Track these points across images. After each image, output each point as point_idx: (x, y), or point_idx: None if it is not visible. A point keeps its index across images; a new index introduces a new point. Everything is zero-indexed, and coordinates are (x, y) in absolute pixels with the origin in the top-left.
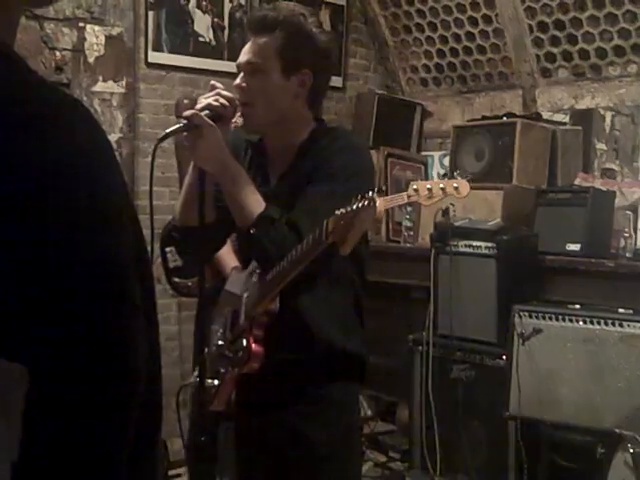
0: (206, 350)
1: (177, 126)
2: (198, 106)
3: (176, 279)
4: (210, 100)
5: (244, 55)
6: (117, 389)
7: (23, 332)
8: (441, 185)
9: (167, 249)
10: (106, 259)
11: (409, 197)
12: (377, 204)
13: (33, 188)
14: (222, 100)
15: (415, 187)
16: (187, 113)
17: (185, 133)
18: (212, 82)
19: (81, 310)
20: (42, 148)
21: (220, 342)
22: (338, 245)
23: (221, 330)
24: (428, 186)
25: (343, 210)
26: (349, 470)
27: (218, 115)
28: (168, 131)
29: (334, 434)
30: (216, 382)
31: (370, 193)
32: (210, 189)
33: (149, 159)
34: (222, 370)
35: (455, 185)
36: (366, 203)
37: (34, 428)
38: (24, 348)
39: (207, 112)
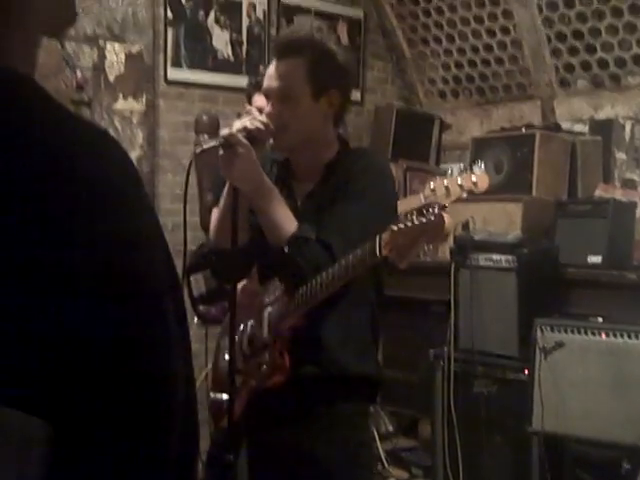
0: (209, 365)
1: (214, 143)
2: (234, 127)
3: (201, 307)
4: (246, 123)
5: (272, 81)
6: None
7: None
8: (459, 181)
9: (192, 277)
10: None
11: (426, 198)
12: (445, 219)
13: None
14: (257, 123)
15: (432, 187)
16: (224, 132)
17: (221, 152)
18: (248, 107)
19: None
20: (79, 181)
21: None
22: (395, 260)
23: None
24: (446, 183)
25: (402, 225)
26: None
27: (253, 137)
28: (205, 147)
29: (344, 453)
30: (225, 396)
31: (435, 209)
32: (244, 209)
33: (169, 176)
34: (236, 384)
35: (473, 180)
36: (432, 218)
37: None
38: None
39: (243, 133)
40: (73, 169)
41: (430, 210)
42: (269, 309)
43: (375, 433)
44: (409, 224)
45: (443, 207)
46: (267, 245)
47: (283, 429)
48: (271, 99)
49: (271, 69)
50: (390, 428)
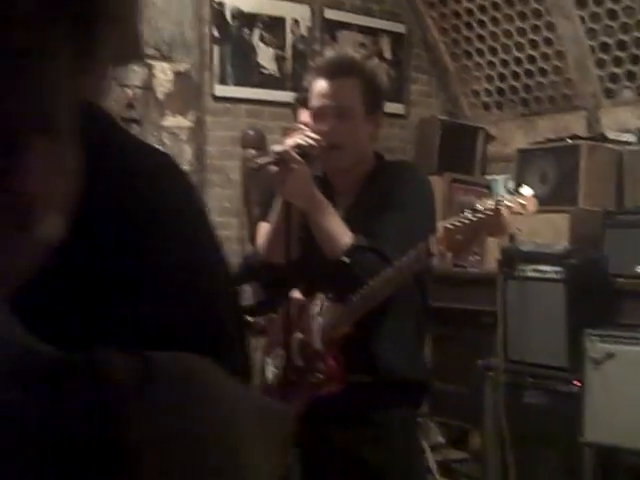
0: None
1: (268, 159)
2: (287, 144)
3: (249, 318)
4: (298, 139)
5: (327, 99)
6: None
7: None
8: (506, 203)
9: (240, 288)
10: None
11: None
12: (504, 212)
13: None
14: (309, 140)
15: (479, 207)
16: (278, 149)
17: (275, 168)
18: (299, 124)
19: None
20: (148, 206)
21: (276, 370)
22: (453, 253)
23: (283, 358)
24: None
25: (457, 223)
26: None
27: (305, 153)
28: (261, 162)
29: (397, 460)
30: None
31: (492, 204)
32: (295, 223)
33: (217, 190)
34: (289, 396)
35: (521, 202)
36: (490, 213)
37: None
38: None
39: (296, 150)
40: (142, 194)
41: (487, 206)
42: (319, 320)
43: (425, 444)
44: (465, 221)
45: (499, 202)
46: (316, 258)
47: (335, 436)
48: (325, 117)
49: (322, 88)
50: (440, 439)
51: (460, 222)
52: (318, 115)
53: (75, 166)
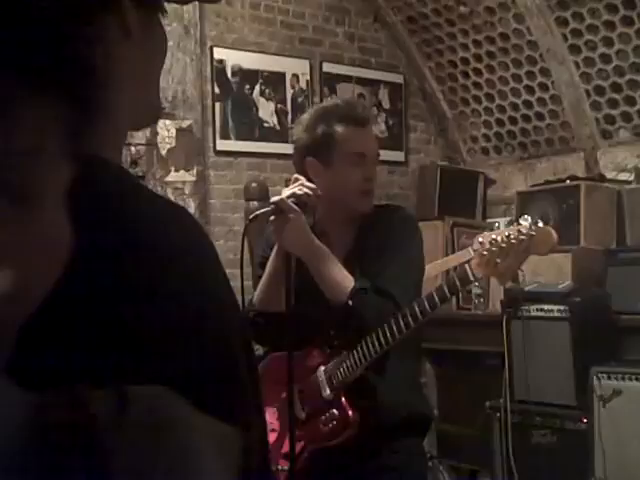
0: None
1: (265, 209)
2: (284, 194)
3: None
4: (295, 189)
5: (373, 147)
6: None
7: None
8: (506, 233)
9: None
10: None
11: (474, 251)
12: (552, 231)
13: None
14: (305, 189)
15: (480, 240)
16: (275, 199)
17: (272, 217)
18: (295, 175)
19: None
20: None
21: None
22: (498, 279)
23: (276, 412)
24: (493, 236)
25: (493, 247)
26: None
27: (302, 202)
28: (257, 213)
29: None
30: (280, 467)
31: (539, 223)
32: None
33: (221, 242)
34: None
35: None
36: (533, 233)
37: None
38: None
39: (292, 199)
40: (160, 245)
41: (529, 226)
42: (322, 369)
43: None
44: (503, 245)
45: (536, 223)
46: (310, 309)
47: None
48: (363, 164)
49: (365, 135)
50: None
51: (495, 247)
52: (355, 162)
53: (53, 233)
